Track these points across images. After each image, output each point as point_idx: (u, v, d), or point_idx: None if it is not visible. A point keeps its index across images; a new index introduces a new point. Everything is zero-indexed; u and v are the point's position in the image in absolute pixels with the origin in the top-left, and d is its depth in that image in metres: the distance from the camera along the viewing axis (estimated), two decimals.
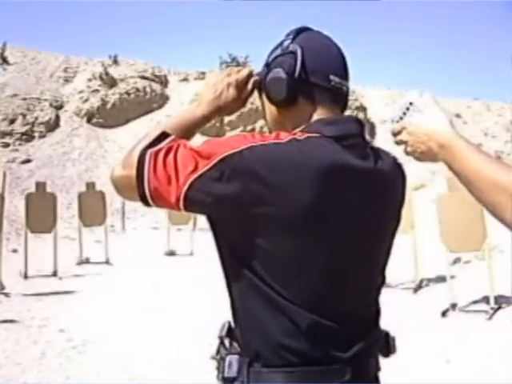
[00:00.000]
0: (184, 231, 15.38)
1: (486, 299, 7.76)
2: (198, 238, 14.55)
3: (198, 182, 1.39)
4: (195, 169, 1.39)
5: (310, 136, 1.44)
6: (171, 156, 1.42)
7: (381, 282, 1.62)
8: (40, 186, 12.11)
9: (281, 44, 1.56)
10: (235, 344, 1.54)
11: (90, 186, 14.07)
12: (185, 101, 29.25)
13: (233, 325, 1.58)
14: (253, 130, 27.41)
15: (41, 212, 11.40)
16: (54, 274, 11.02)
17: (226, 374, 1.48)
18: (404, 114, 1.47)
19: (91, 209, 13.33)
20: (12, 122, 25.42)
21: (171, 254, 14.06)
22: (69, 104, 27.97)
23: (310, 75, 1.49)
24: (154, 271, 11.89)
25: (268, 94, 1.57)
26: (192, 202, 1.43)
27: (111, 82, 28.73)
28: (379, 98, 30.95)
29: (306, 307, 1.42)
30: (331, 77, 1.49)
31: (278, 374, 1.42)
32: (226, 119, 27.93)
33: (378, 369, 1.59)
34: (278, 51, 1.56)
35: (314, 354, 1.42)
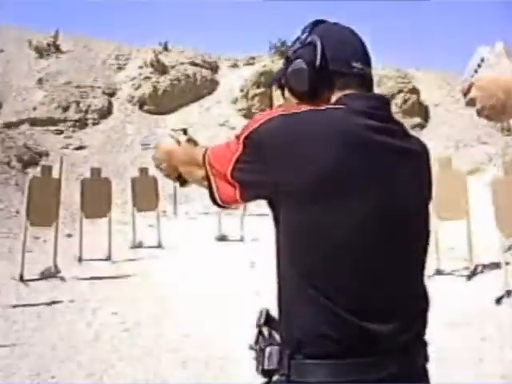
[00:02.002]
0: (235, 216, 15.42)
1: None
2: (248, 224, 14.60)
3: (235, 169, 1.48)
4: (230, 157, 1.48)
5: (332, 107, 1.46)
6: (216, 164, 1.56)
7: (423, 265, 1.56)
8: (95, 171, 12.30)
9: (298, 38, 1.59)
10: (275, 334, 1.51)
11: (143, 171, 14.20)
12: (234, 86, 29.25)
13: (272, 313, 1.55)
14: None
15: (95, 197, 11.59)
16: (108, 257, 11.21)
17: (265, 366, 1.49)
18: (475, 71, 1.40)
19: (144, 194, 13.49)
20: (65, 109, 25.89)
21: (222, 239, 14.13)
22: (121, 91, 28.31)
23: (331, 63, 1.50)
24: (205, 256, 11.97)
25: (290, 87, 1.58)
26: (241, 192, 1.51)
27: (162, 69, 28.93)
28: (432, 80, 30.25)
29: (347, 296, 1.40)
30: (353, 63, 1.51)
31: (320, 365, 1.39)
32: (276, 104, 27.79)
33: (426, 359, 1.54)
34: (297, 45, 1.58)
35: (357, 345, 1.39)
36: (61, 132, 24.92)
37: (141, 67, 29.15)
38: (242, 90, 28.27)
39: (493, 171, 15.89)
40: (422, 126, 26.61)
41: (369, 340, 1.39)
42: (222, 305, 7.54)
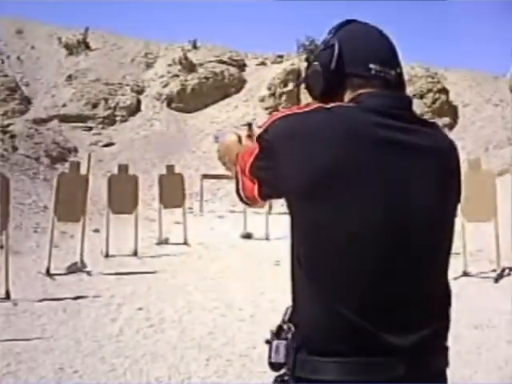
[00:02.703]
0: (260, 215, 15.40)
1: None
2: (273, 223, 14.57)
3: (253, 166, 1.54)
4: (251, 155, 1.54)
5: (343, 105, 1.48)
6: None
7: (445, 262, 1.52)
8: (122, 168, 12.38)
9: (324, 40, 1.62)
10: (293, 329, 1.51)
11: (170, 168, 14.28)
12: (262, 85, 29.26)
13: None
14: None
15: (123, 193, 11.66)
16: (135, 253, 11.27)
17: (272, 359, 1.51)
18: None
19: (171, 191, 13.55)
20: (94, 106, 26.17)
21: (247, 236, 14.13)
22: (149, 89, 28.51)
23: (347, 65, 1.52)
24: (230, 253, 11.99)
25: (308, 88, 1.65)
26: (258, 189, 1.56)
27: (190, 67, 29.06)
28: (462, 80, 29.91)
29: (353, 294, 1.39)
30: (371, 65, 1.50)
31: (324, 363, 1.39)
32: (303, 103, 27.80)
33: (445, 364, 1.49)
34: (321, 46, 1.62)
35: (363, 345, 1.37)
36: (89, 129, 25.19)
37: (169, 65, 29.33)
38: (269, 89, 28.28)
39: None
40: (451, 126, 26.36)
41: (376, 340, 1.37)
42: (247, 303, 7.54)
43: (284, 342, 1.49)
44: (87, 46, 29.37)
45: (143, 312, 6.99)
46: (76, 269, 9.47)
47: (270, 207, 15.36)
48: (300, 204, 1.44)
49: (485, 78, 29.07)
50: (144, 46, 30.93)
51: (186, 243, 13.04)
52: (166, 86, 28.52)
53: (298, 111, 1.49)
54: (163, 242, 13.21)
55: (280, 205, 21.16)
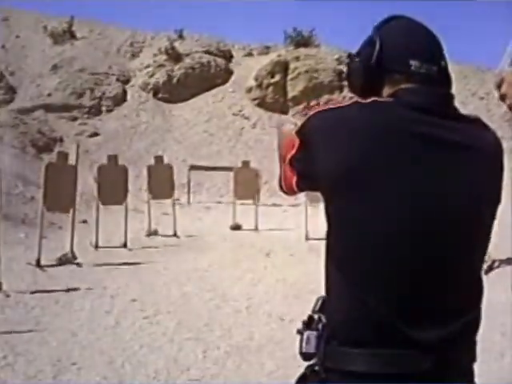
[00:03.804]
0: (248, 206, 15.41)
1: None
2: (262, 214, 14.59)
3: (294, 158, 1.57)
4: (293, 147, 1.57)
5: (379, 100, 1.49)
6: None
7: (478, 260, 1.52)
8: (112, 158, 12.28)
9: (368, 37, 1.63)
10: (324, 320, 1.51)
11: (159, 159, 14.20)
12: (249, 76, 29.16)
13: None
14: (317, 105, 27.14)
15: (112, 184, 11.58)
16: (124, 245, 11.20)
17: (303, 350, 1.50)
18: (511, 64, 1.34)
19: (159, 182, 13.49)
20: (80, 96, 25.94)
21: (236, 228, 14.11)
22: (135, 79, 28.28)
23: (386, 62, 1.53)
24: (220, 245, 11.97)
25: (349, 84, 1.70)
26: (297, 181, 1.59)
27: (177, 57, 28.85)
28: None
29: (379, 287, 1.39)
30: (411, 61, 1.50)
31: (352, 354, 1.40)
32: (290, 95, 27.73)
33: (472, 359, 1.49)
34: (364, 43, 1.63)
35: (389, 337, 1.37)
36: (75, 118, 24.98)
37: (155, 55, 29.11)
38: (256, 80, 28.18)
39: (509, 166, 15.77)
40: None
41: (402, 333, 1.36)
42: (241, 294, 7.53)
43: (315, 333, 1.49)
44: (73, 35, 29.06)
45: (137, 304, 6.95)
46: (66, 260, 9.40)
47: (258, 198, 15.35)
48: (331, 197, 1.47)
49: (471, 72, 29.19)
50: (130, 36, 30.67)
51: (175, 235, 13.00)
52: (152, 76, 28.30)
53: (334, 107, 1.52)
54: (152, 233, 13.16)
55: (267, 196, 21.18)
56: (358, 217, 1.40)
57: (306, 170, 1.53)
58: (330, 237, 1.49)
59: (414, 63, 1.50)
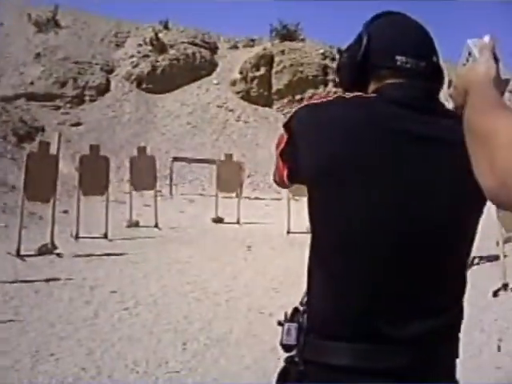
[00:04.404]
0: (231, 199, 15.41)
1: None
2: (244, 207, 14.59)
3: (284, 151, 1.58)
4: (283, 140, 1.58)
5: (363, 95, 1.49)
6: None
7: (462, 258, 1.51)
8: (94, 148, 12.19)
9: (358, 32, 1.64)
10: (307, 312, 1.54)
11: (142, 150, 14.13)
12: (233, 68, 29.11)
13: None
14: (301, 99, 27.14)
15: (94, 175, 11.51)
16: (105, 235, 11.15)
17: (284, 341, 1.53)
18: (464, 65, 1.34)
19: (142, 173, 13.42)
20: (63, 85, 25.75)
21: (218, 220, 14.10)
22: (119, 68, 28.12)
23: (373, 58, 1.54)
24: (201, 237, 11.97)
25: (338, 79, 1.70)
26: (287, 174, 1.59)
27: (161, 48, 28.73)
28: None
29: (357, 281, 1.40)
30: (397, 57, 1.51)
31: (326, 346, 1.42)
32: (274, 88, 27.73)
33: (454, 355, 1.50)
34: (354, 40, 1.63)
35: (366, 331, 1.39)
36: (58, 108, 24.79)
37: (140, 45, 28.97)
38: (241, 73, 28.15)
39: None
40: None
41: (377, 329, 1.38)
42: (221, 287, 7.54)
43: (295, 325, 1.52)
44: (57, 24, 28.80)
45: (117, 295, 6.93)
46: (46, 250, 9.34)
47: (241, 192, 15.35)
48: (312, 193, 1.48)
49: (453, 69, 29.36)
50: (114, 25, 30.46)
51: (156, 226, 12.96)
52: (136, 66, 28.17)
53: (318, 101, 1.52)
54: (133, 224, 13.11)
55: (250, 190, 21.17)
56: (337, 213, 1.41)
57: (293, 164, 1.54)
58: (312, 232, 1.50)
59: (400, 58, 1.51)
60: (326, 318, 1.43)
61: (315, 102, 1.53)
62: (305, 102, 1.57)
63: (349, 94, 1.50)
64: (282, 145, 1.57)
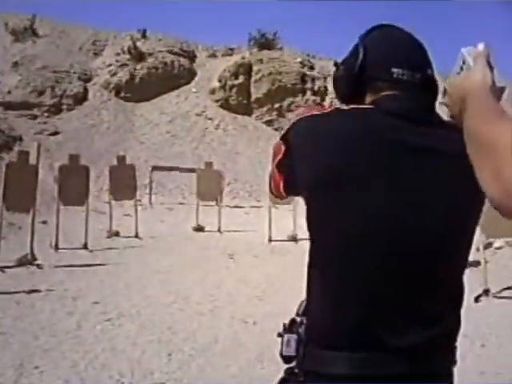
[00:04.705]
0: (211, 207, 15.40)
1: None
2: (225, 215, 14.57)
3: (280, 163, 1.60)
4: (280, 151, 1.59)
5: (359, 107, 1.51)
6: None
7: (460, 265, 1.52)
8: (73, 158, 12.10)
9: (354, 45, 1.66)
10: (305, 322, 1.55)
11: (121, 159, 14.05)
12: (212, 77, 29.11)
13: None
14: (280, 107, 27.24)
15: (73, 185, 11.42)
16: (85, 246, 11.07)
17: (284, 353, 1.53)
18: (458, 73, 1.37)
19: (122, 183, 13.34)
20: (40, 94, 25.51)
21: (199, 229, 14.06)
22: (97, 77, 27.95)
23: (369, 70, 1.56)
24: (183, 246, 11.92)
25: (335, 92, 1.72)
26: (283, 185, 1.62)
27: (139, 57, 28.63)
28: None
29: (355, 290, 1.42)
30: (393, 69, 1.53)
31: (325, 356, 1.43)
32: (253, 97, 27.78)
33: (451, 363, 1.52)
34: (350, 51, 1.66)
35: (364, 341, 1.40)
36: (35, 117, 24.55)
37: (118, 54, 28.83)
38: (220, 81, 28.15)
39: None
40: None
41: (377, 338, 1.39)
42: (204, 297, 7.52)
43: (295, 336, 1.52)
44: (34, 33, 28.57)
45: (99, 306, 6.89)
46: (26, 261, 9.26)
47: (221, 200, 15.33)
48: (309, 204, 1.49)
49: None
50: (92, 34, 30.30)
51: (137, 236, 12.89)
52: (114, 74, 28.02)
53: (315, 113, 1.54)
54: (113, 234, 13.03)
55: (230, 198, 21.16)
56: (335, 224, 1.43)
57: (289, 176, 1.56)
58: (310, 243, 1.51)
59: (396, 71, 1.53)
60: (325, 328, 1.45)
61: (312, 113, 1.55)
62: (302, 114, 1.58)
63: (345, 106, 1.53)
64: (279, 156, 1.58)
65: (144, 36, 30.43)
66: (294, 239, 12.52)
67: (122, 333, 5.88)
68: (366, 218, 1.41)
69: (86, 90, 27.11)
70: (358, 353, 1.39)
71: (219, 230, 13.88)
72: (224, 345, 5.60)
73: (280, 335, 1.57)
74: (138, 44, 29.20)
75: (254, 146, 26.17)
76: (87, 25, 31.54)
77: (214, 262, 10.07)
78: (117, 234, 13.05)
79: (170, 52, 29.90)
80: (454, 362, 1.53)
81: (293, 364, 1.53)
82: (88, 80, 27.67)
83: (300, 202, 15.72)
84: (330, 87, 27.27)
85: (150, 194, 20.52)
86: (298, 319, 1.56)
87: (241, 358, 5.22)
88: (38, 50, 27.45)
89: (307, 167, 1.47)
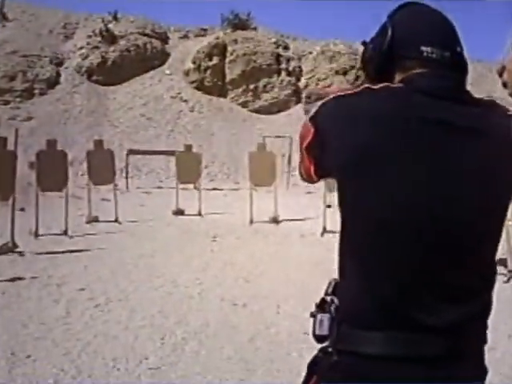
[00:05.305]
0: (189, 191, 15.34)
1: (503, 262, 7.76)
2: (204, 198, 14.51)
3: (310, 145, 1.56)
4: (308, 134, 1.56)
5: (390, 86, 1.49)
6: None
7: (493, 245, 1.51)
8: (51, 143, 11.89)
9: (381, 24, 1.63)
10: (336, 302, 1.54)
11: (98, 144, 13.87)
12: (186, 58, 28.87)
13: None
14: (256, 88, 27.13)
15: (52, 170, 11.25)
16: (65, 232, 10.93)
17: (317, 332, 1.52)
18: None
19: (100, 167, 13.19)
20: (12, 79, 25.12)
21: (180, 213, 13.99)
22: (69, 61, 27.58)
23: (398, 48, 1.53)
24: (164, 230, 11.86)
25: (363, 71, 1.71)
26: (314, 169, 1.59)
27: (111, 39, 28.28)
28: None
29: (388, 270, 1.41)
30: (422, 47, 1.51)
31: (361, 336, 1.42)
32: (228, 78, 27.62)
33: (483, 341, 1.52)
34: (378, 30, 1.63)
35: (399, 320, 1.39)
36: (7, 102, 24.16)
37: (89, 36, 28.44)
38: (194, 63, 27.94)
39: None
40: None
41: (411, 318, 1.39)
42: (191, 280, 7.49)
43: (327, 315, 1.51)
44: (4, 17, 28.02)
45: (86, 292, 6.81)
46: (7, 249, 9.12)
47: (200, 183, 15.26)
48: (341, 182, 1.48)
49: None
50: (63, 17, 29.81)
51: (116, 221, 12.78)
52: (86, 58, 27.67)
53: (344, 93, 1.52)
54: (93, 220, 12.90)
55: (208, 180, 21.10)
56: (370, 203, 1.41)
57: (321, 158, 1.53)
58: (343, 223, 1.50)
59: (425, 49, 1.51)
60: (359, 306, 1.43)
61: (342, 93, 1.52)
62: (332, 94, 1.55)
63: (375, 85, 1.50)
64: (308, 139, 1.55)
65: (115, 18, 30.04)
66: (275, 221, 12.53)
67: (113, 318, 5.83)
68: (403, 196, 1.40)
69: (58, 74, 26.76)
70: (392, 332, 1.39)
71: (200, 213, 13.83)
72: (216, 327, 5.59)
73: (313, 315, 1.55)
74: (110, 26, 28.84)
75: (230, 128, 26.10)
76: (58, 7, 31.01)
77: (197, 246, 10.03)
78: (96, 219, 12.92)
79: (142, 34, 29.58)
80: (486, 341, 1.53)
81: (326, 343, 1.52)
82: (60, 64, 27.29)
83: (281, 185, 15.65)
84: (305, 67, 27.27)
85: (127, 178, 20.41)
86: (328, 298, 1.55)
87: (234, 341, 5.21)
88: (7, 35, 26.95)
89: (339, 149, 1.44)
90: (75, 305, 6.31)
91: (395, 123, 1.41)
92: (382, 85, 1.49)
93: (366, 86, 1.51)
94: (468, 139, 1.43)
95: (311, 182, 1.71)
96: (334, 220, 9.37)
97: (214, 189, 19.54)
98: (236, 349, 5.01)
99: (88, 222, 12.71)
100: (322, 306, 1.55)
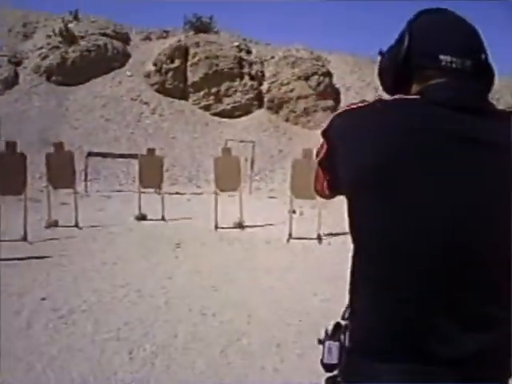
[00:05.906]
0: (151, 195, 15.09)
1: None
2: (167, 203, 14.28)
3: (323, 160, 1.53)
4: (321, 149, 1.53)
5: (403, 98, 1.43)
6: None
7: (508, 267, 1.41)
8: (10, 145, 11.48)
9: (400, 32, 1.57)
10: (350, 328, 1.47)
11: (58, 146, 13.50)
12: (147, 60, 28.54)
13: None
14: (218, 92, 26.96)
15: (11, 173, 10.87)
16: (24, 238, 10.59)
17: (325, 360, 1.47)
18: None
19: (60, 170, 12.83)
20: None
21: (142, 218, 13.71)
22: (27, 61, 26.94)
23: (415, 58, 1.47)
24: (126, 236, 11.60)
25: (380, 82, 1.64)
26: (327, 185, 1.57)
27: (71, 39, 27.73)
28: (344, 64, 30.68)
29: (402, 292, 1.33)
30: (441, 56, 1.43)
31: (376, 368, 1.33)
32: (190, 81, 27.39)
33: (506, 373, 1.42)
34: (396, 40, 1.56)
35: (416, 352, 1.31)
36: None
37: (49, 36, 27.84)
38: (155, 65, 27.63)
39: None
40: (333, 109, 26.98)
41: (428, 349, 1.31)
42: (157, 289, 7.30)
43: (337, 344, 1.46)
44: None
45: (48, 302, 6.57)
46: None
47: (161, 187, 15.00)
48: (351, 202, 1.42)
49: (365, 63, 29.96)
50: (22, 16, 29.15)
51: (77, 226, 12.45)
52: (45, 58, 27.06)
53: (354, 107, 1.47)
54: (52, 224, 12.55)
55: (169, 184, 20.80)
56: (383, 224, 1.34)
57: (332, 175, 1.49)
58: (355, 243, 1.43)
59: (444, 58, 1.43)
60: (372, 331, 1.36)
61: (353, 107, 1.47)
62: (342, 109, 1.51)
63: (389, 97, 1.45)
64: (322, 154, 1.52)
65: (76, 18, 29.50)
66: (240, 226, 12.40)
67: (77, 331, 5.62)
68: (416, 217, 1.31)
69: (16, 74, 26.13)
70: (407, 364, 1.30)
71: (163, 218, 13.59)
72: (185, 339, 5.44)
73: (321, 342, 1.50)
74: (70, 26, 28.29)
75: (192, 131, 25.86)
76: (17, 6, 30.32)
77: (161, 252, 9.82)
78: (56, 223, 12.57)
79: (103, 34, 29.12)
80: (509, 373, 1.44)
81: (335, 373, 1.46)
82: (18, 63, 26.65)
83: (244, 190, 15.49)
84: (268, 72, 27.23)
85: (86, 181, 19.97)
86: (343, 323, 1.49)
87: (205, 354, 5.07)
88: None
89: (349, 166, 1.39)
90: (37, 316, 6.08)
91: (407, 137, 1.34)
92: (394, 97, 1.44)
93: (378, 98, 1.46)
94: (486, 154, 1.36)
95: (326, 197, 1.68)
96: (299, 226, 9.31)
97: (177, 193, 19.27)
98: (208, 363, 4.87)
99: (48, 227, 12.35)
100: (334, 331, 1.50)
